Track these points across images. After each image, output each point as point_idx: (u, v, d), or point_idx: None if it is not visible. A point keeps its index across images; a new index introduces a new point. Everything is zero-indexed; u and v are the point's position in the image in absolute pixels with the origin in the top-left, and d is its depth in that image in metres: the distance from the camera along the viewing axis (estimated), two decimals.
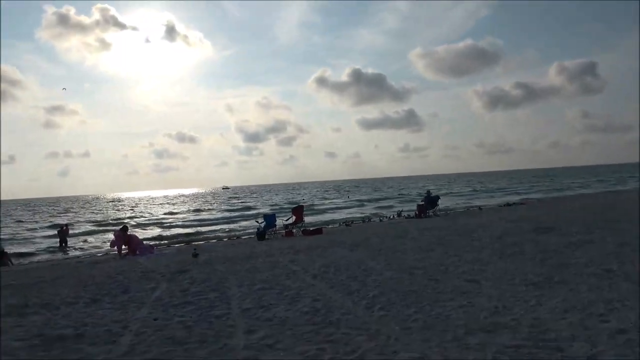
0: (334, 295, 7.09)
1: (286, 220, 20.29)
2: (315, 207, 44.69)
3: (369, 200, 53.47)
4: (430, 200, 24.39)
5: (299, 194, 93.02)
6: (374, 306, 6.34)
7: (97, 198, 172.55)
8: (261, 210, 44.02)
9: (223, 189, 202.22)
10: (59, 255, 21.01)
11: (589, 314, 5.49)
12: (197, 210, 52.51)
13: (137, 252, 16.14)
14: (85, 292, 8.58)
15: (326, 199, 64.35)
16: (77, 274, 11.29)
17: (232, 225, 31.68)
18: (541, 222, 15.73)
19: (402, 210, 29.55)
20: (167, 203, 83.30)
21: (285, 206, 46.68)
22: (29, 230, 39.32)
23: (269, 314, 6.30)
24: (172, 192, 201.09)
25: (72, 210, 76.23)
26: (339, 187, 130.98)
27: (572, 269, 7.88)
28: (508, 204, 31.82)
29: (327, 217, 34.74)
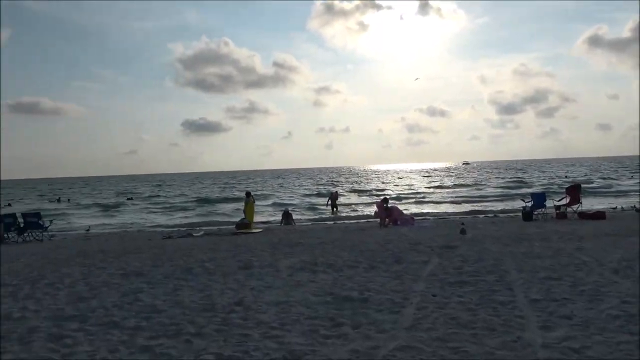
0: None
1: (558, 200, 17.98)
2: (591, 187, 38.78)
3: None
4: None
5: (564, 171, 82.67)
6: None
7: (359, 170, 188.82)
8: (525, 190, 40.69)
9: (463, 164, 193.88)
10: (331, 219, 23.44)
11: None
12: (454, 185, 51.90)
13: (398, 223, 16.68)
14: (362, 257, 9.11)
15: (604, 178, 55.36)
16: (350, 239, 12.21)
17: (491, 202, 30.14)
18: None
19: None
20: (421, 176, 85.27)
21: (554, 185, 42.03)
22: (305, 195, 45.65)
23: (565, 310, 5.41)
24: (421, 166, 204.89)
25: (336, 180, 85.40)
26: (619, 164, 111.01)
27: None
28: None
29: (607, 199, 29.72)
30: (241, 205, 24.92)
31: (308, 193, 48.46)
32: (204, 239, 14.52)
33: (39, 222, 16.77)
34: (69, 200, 53.25)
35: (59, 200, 52.67)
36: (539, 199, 17.57)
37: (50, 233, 17.15)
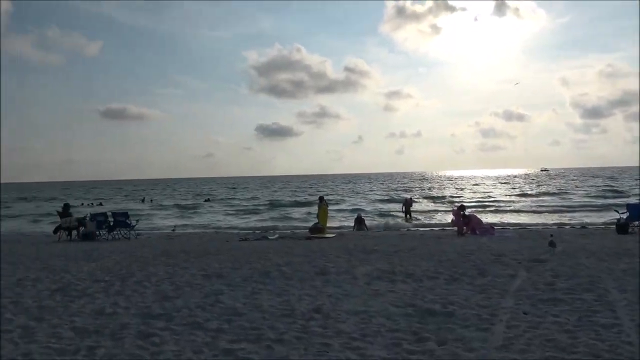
0: None
1: None
2: None
3: None
4: None
5: None
6: None
7: (432, 176, 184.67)
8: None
9: (542, 170, 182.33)
10: (405, 226, 22.93)
11: None
12: (537, 194, 49.06)
13: (477, 232, 15.95)
14: (442, 268, 8.73)
15: None
16: (427, 247, 11.79)
17: (578, 213, 28.13)
18: None
19: None
20: (499, 182, 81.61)
21: None
22: (377, 201, 45.22)
23: None
24: (497, 172, 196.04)
25: (409, 185, 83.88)
26: None
27: None
28: None
29: None
30: (313, 209, 25.06)
31: (380, 198, 47.95)
32: (279, 242, 14.71)
33: (127, 221, 17.84)
34: (151, 200, 56.59)
35: (143, 201, 56.15)
36: (637, 210, 16.08)
37: (136, 232, 18.19)
